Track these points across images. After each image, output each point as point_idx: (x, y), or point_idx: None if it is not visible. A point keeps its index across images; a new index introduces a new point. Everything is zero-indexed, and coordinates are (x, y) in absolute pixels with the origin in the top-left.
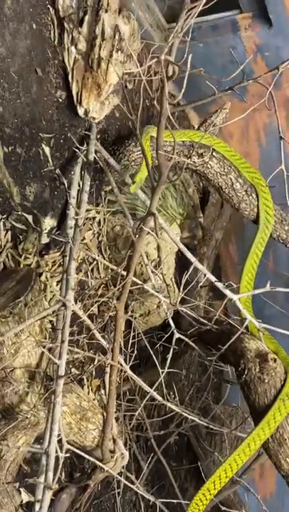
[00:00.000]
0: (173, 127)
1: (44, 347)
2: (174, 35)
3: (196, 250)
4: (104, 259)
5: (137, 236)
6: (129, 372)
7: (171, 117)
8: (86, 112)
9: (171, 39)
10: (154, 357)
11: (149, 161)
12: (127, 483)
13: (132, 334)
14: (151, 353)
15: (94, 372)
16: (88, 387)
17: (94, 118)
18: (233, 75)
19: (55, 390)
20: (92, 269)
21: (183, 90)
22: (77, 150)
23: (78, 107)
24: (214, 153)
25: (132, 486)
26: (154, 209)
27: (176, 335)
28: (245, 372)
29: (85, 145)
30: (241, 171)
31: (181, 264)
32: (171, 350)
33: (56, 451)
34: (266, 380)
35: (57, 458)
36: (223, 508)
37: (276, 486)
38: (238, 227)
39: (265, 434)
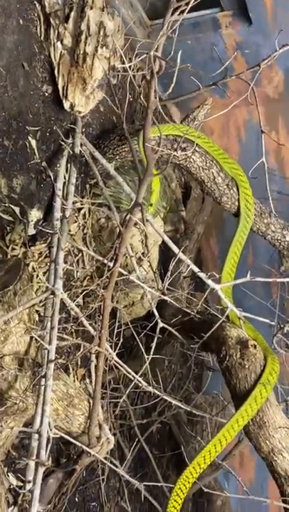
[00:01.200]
0: (160, 122)
1: (34, 334)
2: (164, 32)
3: (178, 243)
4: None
5: (124, 226)
6: (116, 359)
7: (162, 111)
8: (72, 106)
9: (160, 36)
10: (140, 345)
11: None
12: (112, 466)
13: (116, 324)
14: (138, 341)
15: (79, 362)
16: (74, 376)
17: (79, 112)
18: (219, 71)
19: (45, 374)
20: (77, 261)
21: (172, 85)
22: (63, 143)
23: (64, 101)
24: (197, 148)
25: (117, 469)
26: (141, 200)
27: (160, 324)
28: (227, 359)
29: (71, 138)
30: (223, 165)
31: (164, 256)
32: (156, 338)
33: (47, 432)
34: (247, 366)
35: (47, 441)
36: (206, 490)
37: (255, 474)
38: (219, 222)
39: (248, 415)
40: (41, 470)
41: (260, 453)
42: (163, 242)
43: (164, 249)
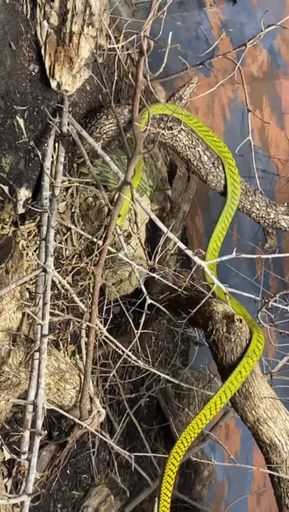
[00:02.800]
0: (146, 101)
1: (26, 310)
2: (154, 14)
3: (164, 222)
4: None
5: (114, 204)
6: (106, 334)
7: (153, 89)
8: (59, 85)
9: (150, 17)
10: (130, 321)
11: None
12: (103, 438)
13: (105, 301)
14: (126, 318)
15: (69, 339)
16: (64, 352)
17: (66, 91)
18: (206, 51)
19: (40, 348)
20: (66, 240)
21: (163, 65)
22: (50, 122)
23: (51, 80)
24: (183, 127)
25: (107, 440)
26: (130, 178)
27: (148, 301)
28: (214, 333)
29: (58, 117)
30: (209, 144)
31: (151, 235)
32: (144, 314)
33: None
34: (233, 339)
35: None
36: (194, 459)
37: (241, 446)
38: (205, 200)
39: (234, 386)
40: (38, 439)
41: (246, 423)
42: (150, 220)
43: (151, 227)
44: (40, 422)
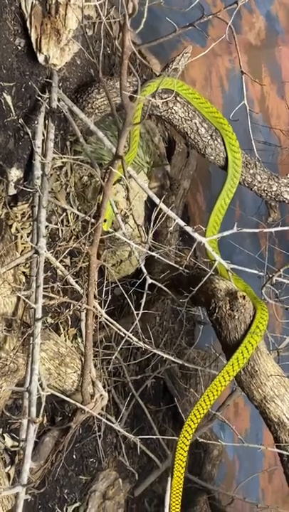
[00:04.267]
0: (138, 73)
1: (19, 294)
2: None
3: (164, 200)
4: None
5: (106, 181)
6: (105, 316)
7: (139, 56)
8: (46, 59)
9: None
10: (130, 303)
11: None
12: (107, 422)
13: (105, 283)
14: (127, 299)
15: (70, 322)
16: (65, 336)
17: (55, 65)
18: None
19: (33, 332)
20: (62, 221)
21: (144, 19)
22: (39, 98)
23: (38, 54)
24: (178, 98)
25: (112, 424)
26: (122, 152)
27: (149, 280)
28: (216, 311)
29: (47, 93)
30: (206, 116)
31: (150, 213)
32: (144, 295)
33: (38, 391)
34: (236, 317)
35: (39, 400)
36: (201, 440)
37: (250, 423)
38: (205, 176)
39: (238, 365)
40: (33, 427)
41: (253, 401)
42: (148, 198)
43: (150, 205)
44: (34, 410)
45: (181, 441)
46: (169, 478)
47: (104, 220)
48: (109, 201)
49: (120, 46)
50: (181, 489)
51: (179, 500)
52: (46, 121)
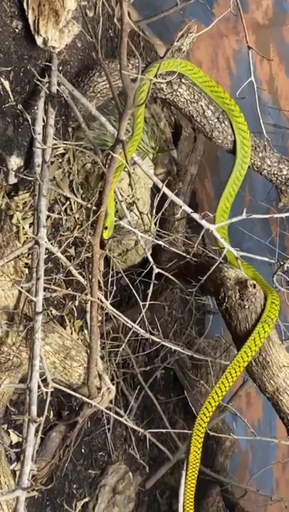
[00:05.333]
0: (141, 53)
1: (18, 287)
2: None
3: (171, 186)
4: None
5: (108, 166)
6: (110, 308)
7: (142, 33)
8: (45, 42)
9: None
10: (135, 294)
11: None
12: (115, 416)
13: (111, 273)
14: (133, 290)
15: (75, 314)
16: (71, 328)
17: (54, 47)
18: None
19: (33, 327)
20: (65, 210)
21: None
22: (38, 83)
23: (36, 37)
24: (183, 80)
25: (120, 418)
26: (123, 136)
27: (156, 270)
28: (226, 300)
29: (47, 77)
30: (212, 97)
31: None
32: (152, 284)
33: (39, 387)
34: (246, 306)
35: (44, 396)
36: (211, 433)
37: (263, 413)
38: (213, 162)
39: (248, 357)
40: (33, 427)
41: (265, 393)
42: (155, 185)
43: (157, 192)
44: (35, 408)
45: (196, 433)
46: (183, 472)
47: (105, 228)
48: (111, 211)
49: (119, 23)
50: (195, 482)
51: (193, 493)
52: (46, 107)
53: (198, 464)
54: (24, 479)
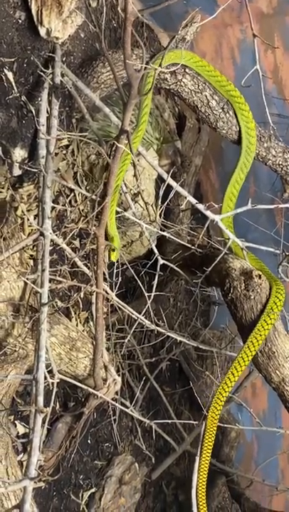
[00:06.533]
0: (145, 44)
1: (24, 278)
2: None
3: (175, 177)
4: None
5: (112, 157)
6: (115, 299)
7: (145, 20)
8: (48, 32)
9: None
10: (140, 285)
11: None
12: (121, 407)
13: (116, 264)
14: (138, 281)
15: (81, 305)
16: (76, 320)
17: (57, 38)
18: None
19: (39, 318)
20: (69, 202)
21: None
22: (42, 73)
23: (39, 27)
24: (187, 70)
25: (126, 409)
26: (127, 126)
27: (161, 261)
28: (231, 291)
29: (50, 68)
30: (216, 87)
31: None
32: (156, 276)
33: (46, 378)
34: (252, 297)
35: (50, 388)
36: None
37: (268, 403)
38: (218, 153)
39: (254, 347)
40: (40, 417)
41: (271, 384)
42: (160, 176)
43: (161, 183)
44: (41, 399)
45: (209, 431)
46: (196, 465)
47: (113, 250)
48: (115, 233)
49: (123, 12)
50: (206, 472)
51: (205, 480)
52: (50, 98)
53: (209, 456)
54: (31, 469)
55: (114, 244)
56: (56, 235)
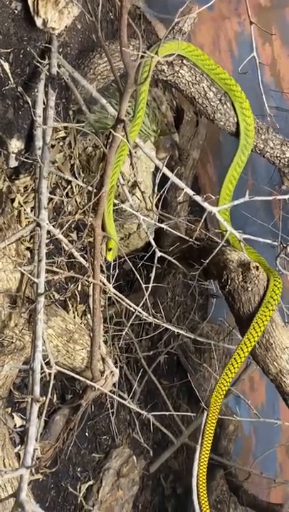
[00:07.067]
0: (142, 36)
1: (20, 268)
2: None
3: (173, 171)
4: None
5: (109, 147)
6: (112, 291)
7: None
8: (44, 23)
9: None
10: (138, 277)
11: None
12: (119, 399)
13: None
14: (136, 274)
15: (78, 299)
16: (74, 313)
17: (53, 29)
18: None
19: (35, 308)
20: (66, 194)
21: None
22: (38, 64)
23: (36, 18)
24: (184, 61)
25: (123, 401)
26: (124, 115)
27: (158, 253)
28: (229, 283)
29: (47, 59)
30: (214, 79)
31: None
32: (154, 268)
33: (42, 368)
34: (250, 288)
35: (47, 379)
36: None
37: (266, 397)
38: (215, 146)
39: (253, 338)
40: (36, 407)
41: (269, 375)
42: (157, 169)
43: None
44: (37, 388)
45: (209, 424)
46: (196, 454)
47: (110, 249)
48: (113, 232)
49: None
50: (207, 462)
51: (205, 469)
52: (46, 89)
53: (210, 445)
54: (28, 458)
55: (110, 244)
56: (53, 225)
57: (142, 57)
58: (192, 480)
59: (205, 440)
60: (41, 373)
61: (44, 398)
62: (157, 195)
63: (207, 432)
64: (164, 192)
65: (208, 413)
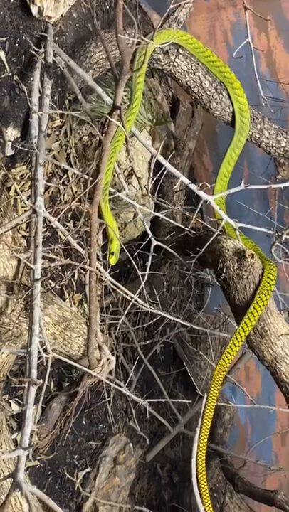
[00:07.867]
0: (138, 25)
1: (16, 255)
2: None
3: (169, 161)
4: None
5: (104, 134)
6: (109, 278)
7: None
8: (40, 11)
9: None
10: (135, 266)
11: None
12: (115, 386)
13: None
14: (132, 264)
15: (75, 287)
16: (70, 302)
17: (49, 17)
18: None
19: (32, 293)
20: (63, 183)
21: None
22: (34, 53)
23: (31, 6)
24: (180, 50)
25: (120, 388)
26: (119, 102)
27: (154, 242)
28: (224, 271)
29: (43, 48)
30: (210, 68)
31: (154, 173)
32: (150, 257)
33: (40, 353)
34: (245, 276)
35: (45, 365)
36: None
37: (262, 386)
38: (211, 136)
39: (248, 327)
40: (33, 389)
41: (264, 362)
42: (152, 158)
43: (155, 166)
44: (34, 372)
45: (208, 412)
46: (196, 437)
47: (112, 253)
48: (116, 235)
49: None
50: (206, 445)
51: (204, 452)
52: (42, 78)
53: (206, 438)
54: (25, 439)
55: (113, 248)
56: (49, 212)
57: (138, 44)
58: (191, 461)
59: (205, 421)
60: (38, 359)
61: (41, 381)
62: (153, 179)
63: (206, 416)
64: (158, 174)
65: (208, 395)
